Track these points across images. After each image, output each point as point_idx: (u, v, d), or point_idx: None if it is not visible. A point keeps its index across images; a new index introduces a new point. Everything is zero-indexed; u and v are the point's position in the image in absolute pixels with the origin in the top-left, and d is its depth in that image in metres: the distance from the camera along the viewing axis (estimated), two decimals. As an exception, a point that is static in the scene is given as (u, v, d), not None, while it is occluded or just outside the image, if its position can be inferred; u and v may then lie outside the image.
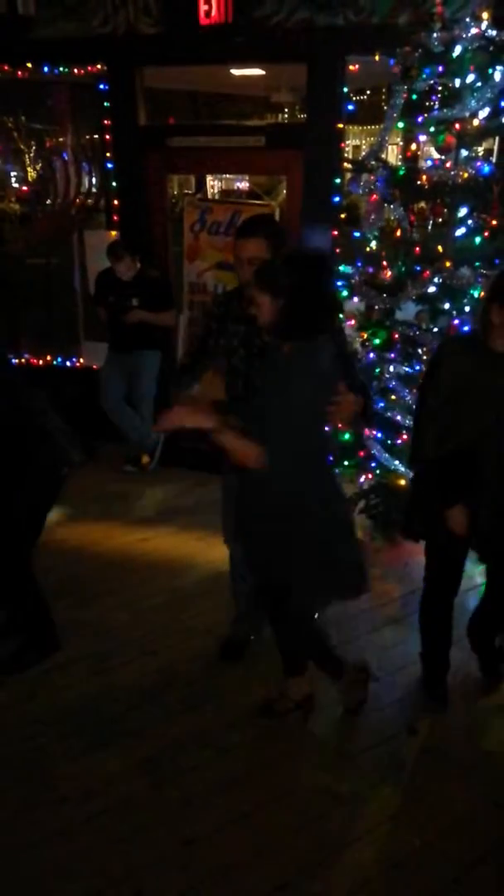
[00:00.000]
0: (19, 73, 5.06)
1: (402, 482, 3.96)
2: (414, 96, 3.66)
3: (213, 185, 12.92)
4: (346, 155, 4.85)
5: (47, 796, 2.39)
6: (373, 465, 4.07)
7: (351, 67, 4.45)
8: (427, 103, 3.62)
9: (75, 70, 4.97)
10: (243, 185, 11.89)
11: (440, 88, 3.57)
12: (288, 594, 2.33)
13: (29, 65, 4.98)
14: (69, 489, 4.69)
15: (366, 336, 3.95)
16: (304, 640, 2.61)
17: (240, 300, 2.48)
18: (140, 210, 5.11)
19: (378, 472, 4.07)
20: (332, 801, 2.37)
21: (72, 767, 2.50)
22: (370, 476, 4.10)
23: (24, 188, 6.24)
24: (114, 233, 5.17)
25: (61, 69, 4.98)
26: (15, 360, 5.65)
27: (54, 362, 5.61)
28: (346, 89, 4.52)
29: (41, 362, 5.63)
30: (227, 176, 9.13)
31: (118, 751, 2.58)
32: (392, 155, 4.41)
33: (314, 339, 2.14)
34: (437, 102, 3.60)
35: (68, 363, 5.59)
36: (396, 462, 3.98)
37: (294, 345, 2.14)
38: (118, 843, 2.22)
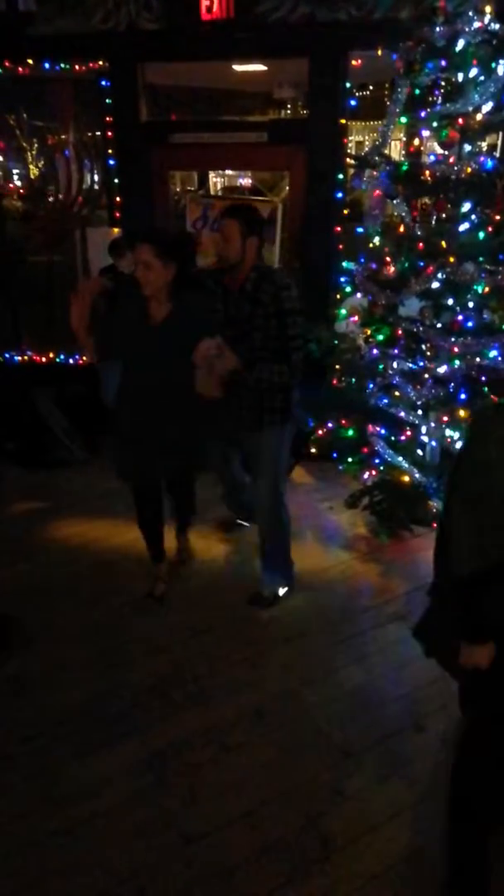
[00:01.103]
0: (20, 69, 5.05)
1: (406, 478, 3.95)
2: (417, 91, 3.64)
3: (216, 181, 12.87)
4: (348, 150, 4.83)
5: (51, 794, 2.39)
6: (376, 461, 4.06)
7: (353, 62, 4.43)
8: (430, 98, 3.61)
9: (76, 66, 4.95)
10: (246, 181, 11.84)
11: (443, 83, 3.55)
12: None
13: (30, 61, 4.97)
14: (73, 486, 4.74)
15: (369, 332, 3.93)
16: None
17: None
18: (142, 206, 5.10)
19: (382, 468, 4.06)
20: (337, 798, 2.37)
21: (75, 765, 2.51)
22: (374, 472, 4.09)
23: (23, 190, 6.23)
24: (116, 230, 5.16)
25: (62, 66, 4.97)
26: (18, 358, 5.66)
27: (57, 359, 5.61)
28: (348, 84, 4.50)
29: (44, 359, 5.63)
30: (230, 172, 9.09)
31: (122, 748, 2.58)
32: (395, 150, 4.39)
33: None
34: (439, 97, 3.58)
35: (71, 360, 5.58)
36: (400, 458, 3.97)
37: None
38: (122, 842, 2.23)
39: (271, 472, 3.20)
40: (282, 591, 3.44)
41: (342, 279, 4.07)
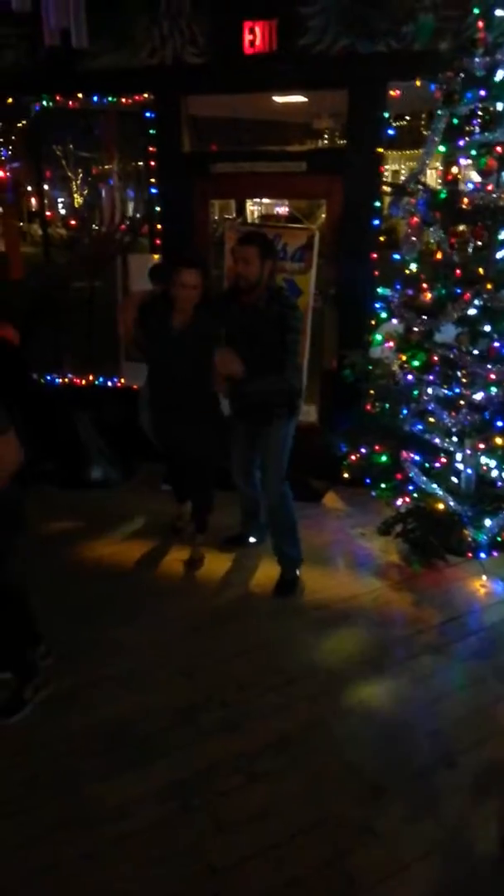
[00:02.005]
0: (70, 103, 5.23)
1: (440, 506, 3.89)
2: (455, 120, 3.66)
3: (253, 209, 13.10)
4: (384, 179, 4.86)
5: (75, 816, 2.39)
6: (410, 488, 4.02)
7: (392, 93, 4.47)
8: (468, 127, 3.62)
9: (123, 99, 5.11)
10: (283, 209, 12.03)
11: (481, 112, 3.57)
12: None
13: (79, 95, 5.15)
14: (108, 507, 4.79)
15: (405, 358, 3.92)
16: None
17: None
18: (183, 234, 5.20)
19: (416, 495, 4.01)
20: (365, 835, 2.31)
21: (101, 787, 2.50)
22: (408, 499, 4.04)
23: (72, 221, 6.41)
24: (157, 256, 5.26)
25: (110, 99, 5.13)
26: (59, 380, 5.78)
27: (96, 382, 5.71)
28: (386, 115, 4.54)
29: (83, 382, 5.74)
30: (267, 200, 9.24)
31: (149, 772, 2.56)
32: (431, 178, 4.41)
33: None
34: (478, 126, 3.59)
35: (109, 383, 5.68)
36: (434, 485, 3.91)
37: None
38: (146, 868, 2.20)
39: (279, 459, 3.63)
40: (298, 572, 3.79)
41: (378, 305, 4.07)
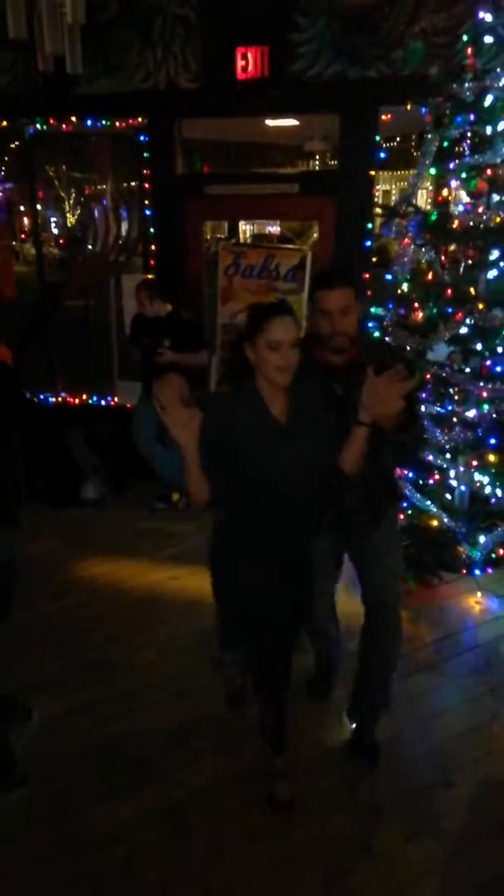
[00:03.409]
0: (63, 126, 5.30)
1: (434, 523, 3.90)
2: (445, 143, 3.73)
3: (245, 229, 13.23)
4: (376, 200, 4.94)
5: (69, 842, 2.35)
6: (404, 505, 4.03)
7: (383, 117, 4.56)
8: (458, 149, 3.69)
9: (116, 123, 5.18)
10: (275, 229, 12.17)
11: (471, 136, 3.64)
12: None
13: (73, 119, 5.22)
14: (100, 526, 4.77)
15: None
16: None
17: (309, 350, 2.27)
18: (176, 255, 5.25)
19: (409, 512, 4.02)
20: (363, 855, 2.29)
21: (96, 811, 2.46)
22: (402, 517, 4.05)
23: (61, 238, 6.46)
24: (150, 276, 5.30)
25: (103, 122, 5.20)
26: (52, 399, 5.78)
27: (89, 401, 5.72)
28: (377, 138, 4.62)
29: (77, 401, 5.75)
30: (259, 220, 9.35)
31: (144, 795, 2.53)
32: (422, 199, 4.48)
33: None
34: (467, 149, 3.66)
35: (103, 402, 5.69)
36: (428, 502, 3.93)
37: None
38: (142, 893, 2.17)
39: (395, 570, 2.64)
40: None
41: (370, 324, 4.12)
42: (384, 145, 5.09)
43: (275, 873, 2.22)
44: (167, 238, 5.24)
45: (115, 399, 5.65)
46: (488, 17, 3.54)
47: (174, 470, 4.93)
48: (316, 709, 2.94)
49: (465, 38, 3.69)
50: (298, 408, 2.11)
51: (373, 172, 4.69)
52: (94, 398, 5.71)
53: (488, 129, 3.54)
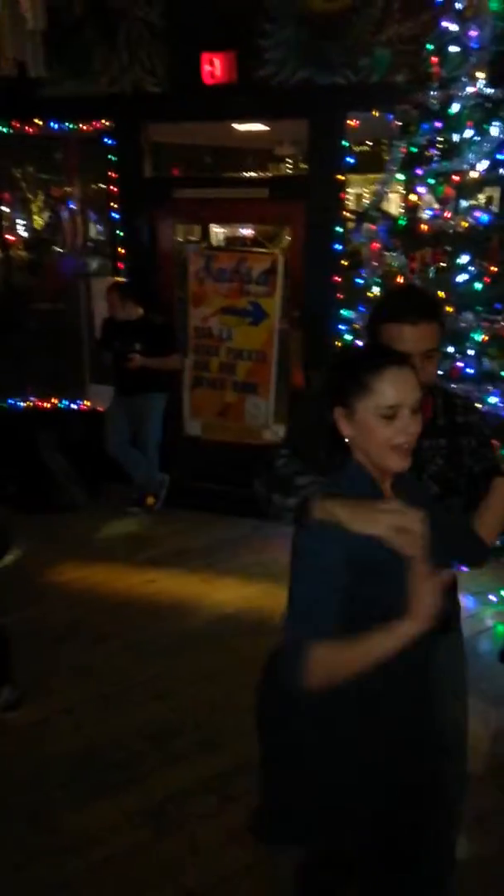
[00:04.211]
0: (28, 129, 5.25)
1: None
2: (413, 149, 3.79)
3: (217, 231, 13.21)
4: (347, 204, 5.00)
5: (49, 846, 2.34)
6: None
7: (351, 123, 4.61)
8: (427, 154, 3.76)
9: (82, 126, 5.15)
10: (248, 231, 12.16)
11: (439, 142, 3.71)
12: None
13: (38, 122, 5.17)
14: (73, 531, 4.74)
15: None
16: None
17: None
18: (146, 258, 5.24)
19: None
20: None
21: (75, 816, 2.45)
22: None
23: (28, 241, 6.38)
24: (120, 279, 5.29)
25: (69, 125, 5.17)
26: (22, 404, 5.73)
27: (60, 405, 5.67)
28: (346, 143, 4.68)
29: (47, 405, 5.70)
30: (231, 224, 9.37)
31: (123, 798, 2.53)
32: (394, 204, 4.54)
33: None
34: (436, 155, 3.73)
35: (74, 405, 5.65)
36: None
37: None
38: (122, 895, 2.17)
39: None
40: None
41: (342, 327, 4.16)
42: (356, 149, 5.15)
43: (253, 871, 2.24)
44: (135, 242, 5.23)
45: (87, 403, 5.62)
46: (452, 27, 3.61)
47: (148, 473, 4.93)
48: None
49: (429, 46, 3.76)
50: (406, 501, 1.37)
51: (342, 177, 4.75)
52: (66, 402, 5.67)
53: (455, 137, 3.61)
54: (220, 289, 5.02)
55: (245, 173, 6.49)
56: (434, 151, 3.73)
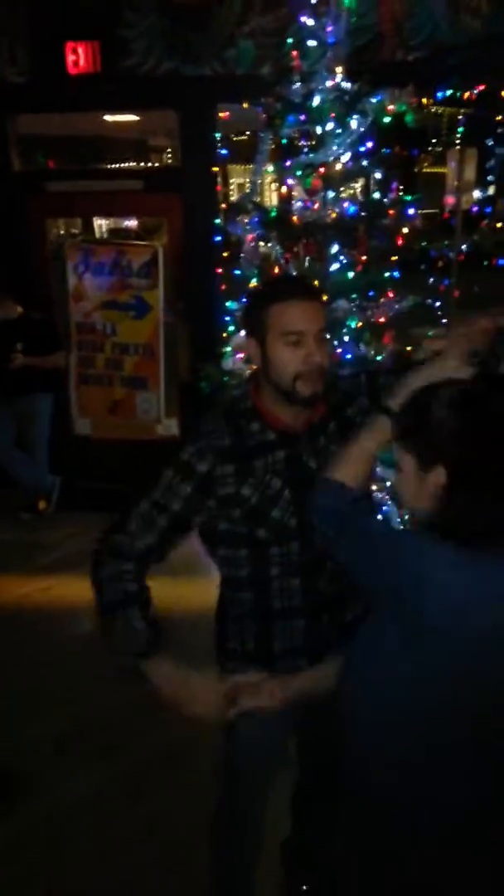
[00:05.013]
0: None
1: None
2: (284, 141, 3.87)
3: (101, 223, 12.92)
4: (229, 194, 5.03)
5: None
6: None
7: (221, 114, 4.64)
8: (298, 144, 3.84)
9: None
10: (132, 223, 11.99)
11: (304, 134, 3.80)
12: None
13: None
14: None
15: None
16: None
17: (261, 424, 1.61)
18: (18, 254, 5.06)
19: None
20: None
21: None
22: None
23: None
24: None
25: None
26: None
27: None
28: (218, 135, 4.70)
29: None
30: (107, 217, 9.20)
31: (32, 810, 2.48)
32: (272, 195, 4.61)
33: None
34: (305, 147, 3.82)
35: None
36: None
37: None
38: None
39: None
40: None
41: (227, 318, 4.20)
42: (235, 140, 5.19)
43: (164, 863, 2.27)
44: (5, 237, 5.04)
45: None
46: (310, 22, 3.70)
47: (38, 476, 4.80)
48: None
49: (289, 41, 3.83)
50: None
51: (216, 169, 4.77)
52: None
53: (318, 129, 3.71)
54: (100, 283, 4.93)
55: (121, 165, 6.39)
56: (304, 143, 3.82)
